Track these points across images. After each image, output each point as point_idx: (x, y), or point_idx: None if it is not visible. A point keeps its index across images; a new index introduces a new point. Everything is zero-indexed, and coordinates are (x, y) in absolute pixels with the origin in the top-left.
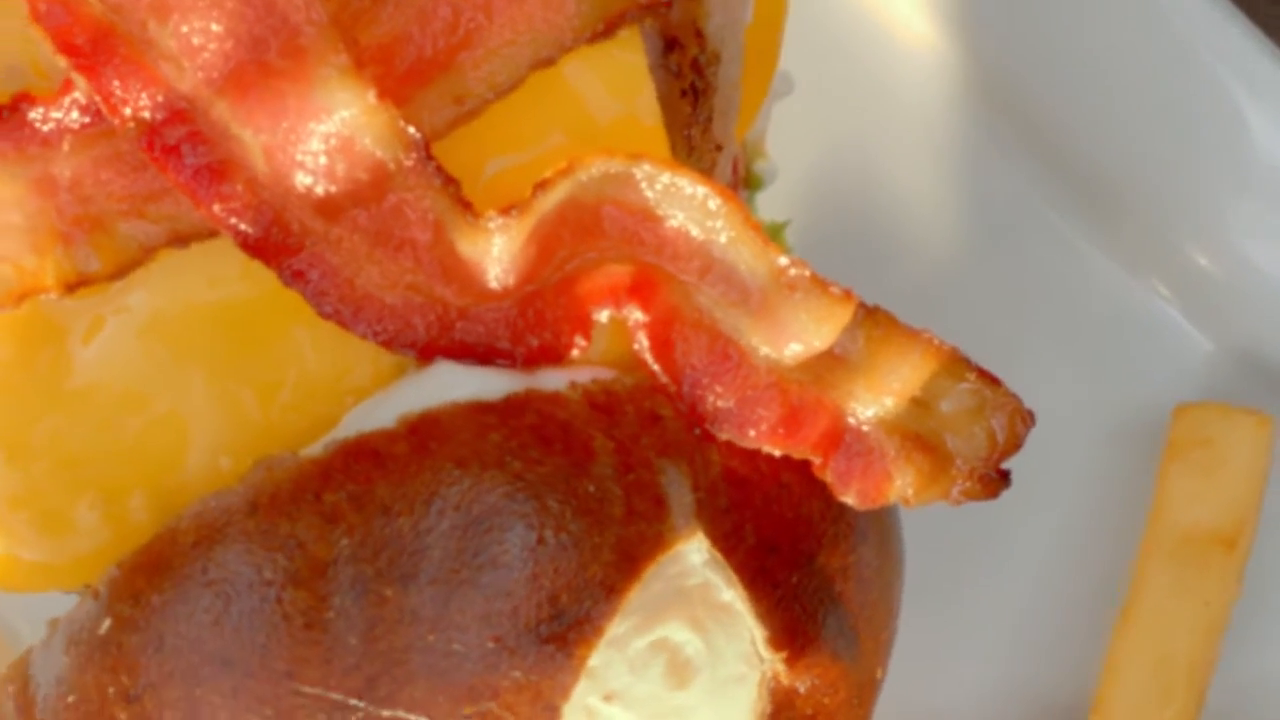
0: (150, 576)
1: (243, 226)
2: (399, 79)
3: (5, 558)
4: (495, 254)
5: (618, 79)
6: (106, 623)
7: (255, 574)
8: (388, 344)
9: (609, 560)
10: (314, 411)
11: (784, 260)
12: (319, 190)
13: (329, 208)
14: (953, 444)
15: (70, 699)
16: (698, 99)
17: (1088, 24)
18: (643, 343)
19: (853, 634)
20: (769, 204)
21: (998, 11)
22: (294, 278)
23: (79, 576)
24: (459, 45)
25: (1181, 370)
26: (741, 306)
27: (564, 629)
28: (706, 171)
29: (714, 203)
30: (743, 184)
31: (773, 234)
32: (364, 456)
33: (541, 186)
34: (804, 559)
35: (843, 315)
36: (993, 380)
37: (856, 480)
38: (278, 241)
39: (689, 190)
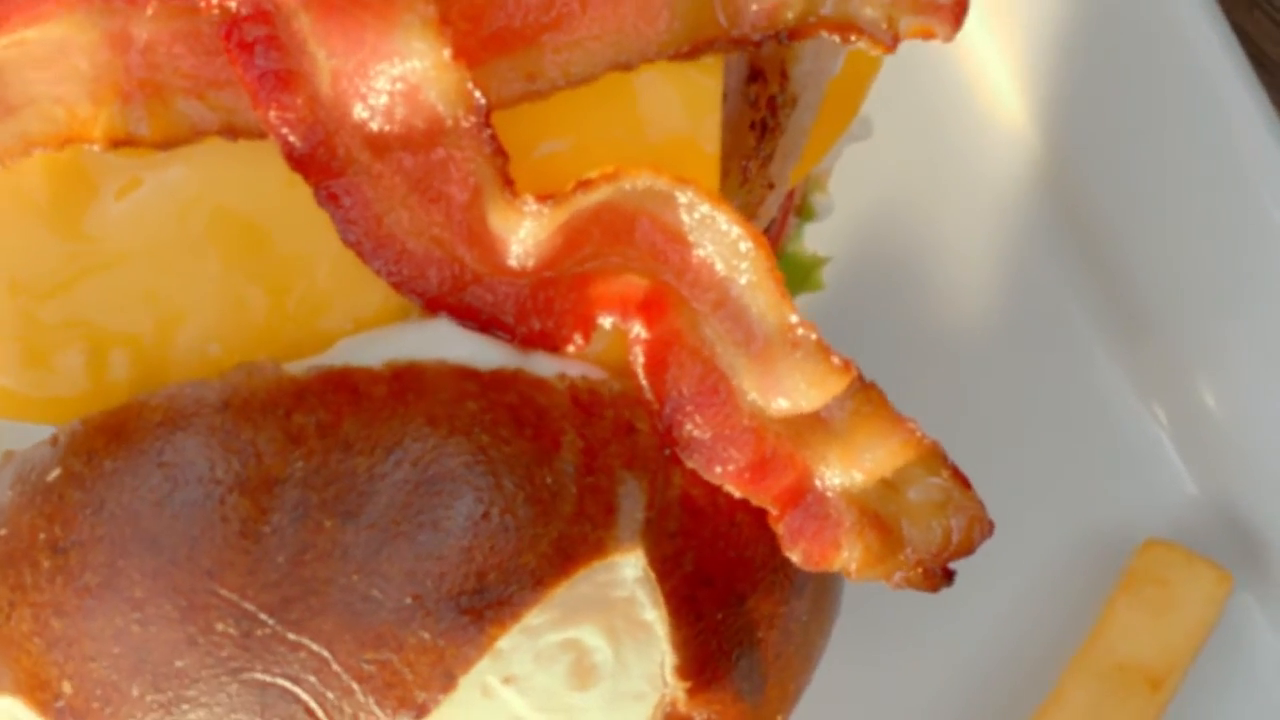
0: (109, 441)
1: (292, 138)
2: (481, 40)
3: None
4: (521, 235)
5: (690, 98)
6: (56, 472)
7: (207, 469)
8: (398, 286)
9: (545, 553)
10: (312, 328)
11: (795, 318)
12: (373, 126)
13: (378, 144)
14: (908, 532)
15: (1, 531)
16: (764, 135)
17: (1166, 145)
18: (638, 357)
19: (761, 679)
20: (817, 236)
21: (1087, 111)
22: (328, 199)
23: (48, 416)
24: (547, 25)
25: (1160, 504)
26: (743, 348)
27: (483, 605)
28: (754, 206)
29: (745, 245)
30: (796, 212)
31: (811, 266)
32: (342, 389)
33: (584, 185)
34: (735, 599)
35: (836, 386)
36: (964, 482)
37: (806, 540)
38: (322, 161)
39: (724, 227)
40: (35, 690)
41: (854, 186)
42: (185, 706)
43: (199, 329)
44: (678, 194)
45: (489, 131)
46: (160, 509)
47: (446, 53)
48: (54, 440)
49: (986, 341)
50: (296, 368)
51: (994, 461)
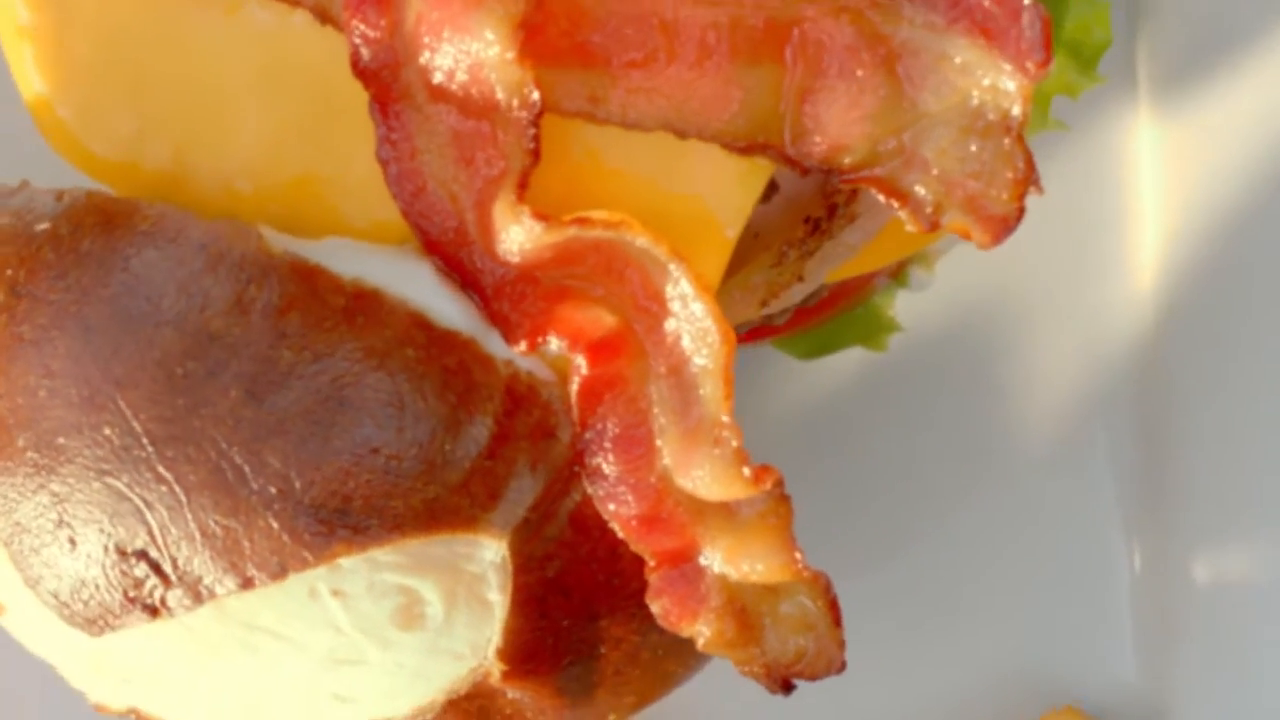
0: (98, 224)
1: (364, 52)
2: (570, 44)
3: (44, 101)
4: (511, 236)
5: (738, 174)
6: (45, 226)
7: (158, 294)
8: (407, 216)
9: (414, 506)
10: (319, 212)
11: (726, 419)
12: (437, 76)
13: (436, 92)
14: (768, 635)
15: None
16: (814, 232)
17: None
18: (574, 382)
19: (591, 687)
20: (902, 305)
21: (1210, 316)
22: (379, 112)
23: (81, 164)
24: (631, 62)
25: (1098, 677)
26: (677, 418)
27: (338, 524)
28: (778, 288)
29: (713, 337)
30: (891, 275)
31: (883, 328)
32: (304, 284)
33: (581, 222)
34: (587, 615)
35: (739, 492)
36: (836, 618)
37: (669, 599)
38: (384, 82)
39: (699, 313)
40: None
41: (961, 269)
42: (54, 479)
43: (238, 162)
44: (670, 266)
45: (533, 131)
46: (105, 306)
47: (510, 54)
48: (59, 196)
49: (998, 483)
50: (277, 243)
51: (962, 567)
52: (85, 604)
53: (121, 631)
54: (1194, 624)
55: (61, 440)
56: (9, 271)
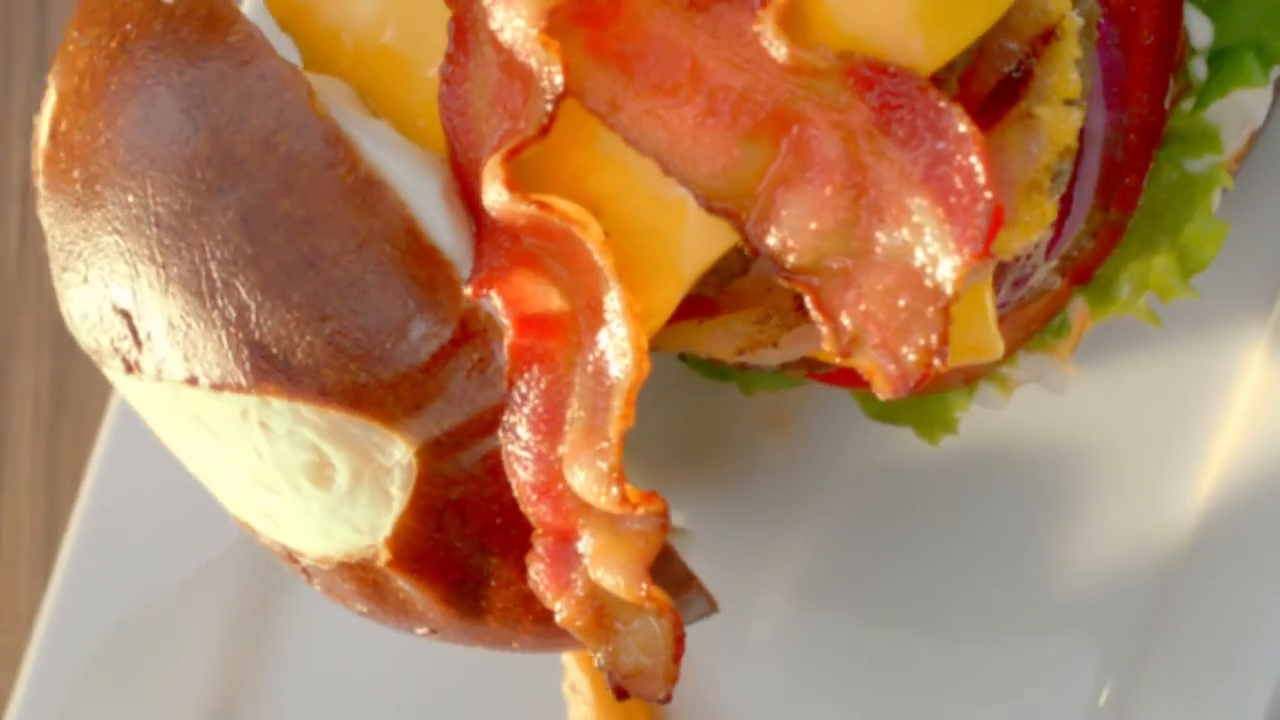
0: (202, 18)
1: None
2: (614, 49)
3: None
4: (488, 192)
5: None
6: (170, 2)
7: (211, 102)
8: (445, 130)
9: (344, 384)
10: (394, 90)
11: (613, 438)
12: (492, 25)
13: (492, 37)
14: (617, 639)
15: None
16: (798, 307)
17: None
18: (505, 342)
19: (481, 613)
20: (975, 414)
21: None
22: (454, 29)
23: None
24: (656, 84)
25: None
26: (587, 415)
27: (276, 368)
28: (754, 344)
29: (628, 363)
30: (965, 380)
31: (944, 424)
32: (327, 149)
33: (541, 205)
34: (480, 547)
35: (607, 505)
36: (676, 654)
37: (542, 567)
38: (462, 6)
39: (622, 339)
40: (67, 93)
41: (1041, 407)
42: (85, 216)
43: (348, 15)
44: (610, 280)
45: (549, 109)
46: (172, 92)
47: (534, 32)
48: None
49: (1002, 599)
50: (327, 104)
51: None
52: (86, 334)
53: (114, 372)
54: None
55: (99, 187)
56: (128, 26)
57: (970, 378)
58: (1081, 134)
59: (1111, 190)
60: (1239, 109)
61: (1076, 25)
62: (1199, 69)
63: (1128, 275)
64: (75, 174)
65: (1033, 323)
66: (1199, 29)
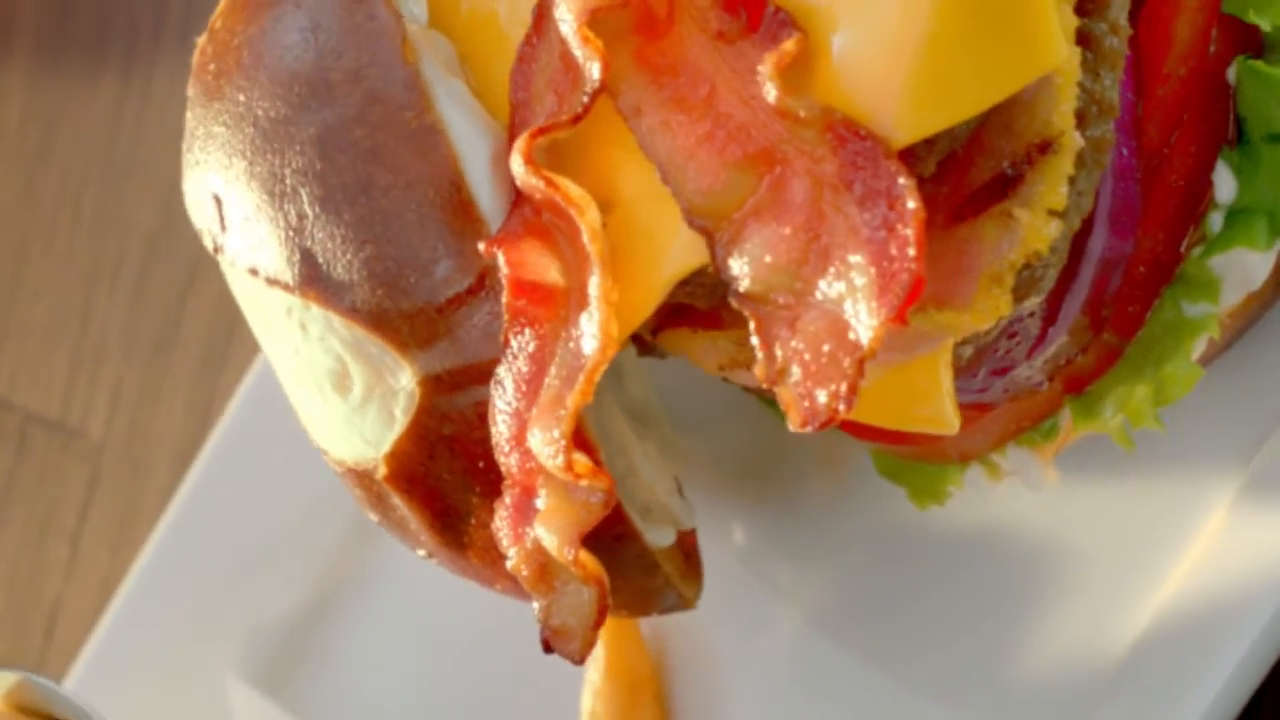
0: None
1: None
2: (654, 60)
3: None
4: (514, 169)
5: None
6: None
7: (323, 28)
8: (509, 98)
9: (369, 305)
10: (484, 51)
11: (570, 407)
12: (555, 12)
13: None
14: (554, 596)
15: None
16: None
17: None
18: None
19: (463, 547)
20: (968, 493)
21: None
22: (536, 10)
23: None
24: (674, 98)
25: None
26: (559, 385)
27: (318, 277)
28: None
29: (594, 349)
30: (960, 458)
31: (933, 494)
32: (403, 93)
33: (549, 183)
34: (464, 485)
35: (560, 475)
36: (597, 623)
37: (505, 516)
38: None
39: (594, 327)
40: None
41: (1017, 499)
42: (209, 105)
43: None
44: (595, 267)
45: (584, 101)
46: (296, 14)
47: (577, 24)
48: None
49: (947, 677)
50: (419, 53)
51: None
52: (192, 213)
53: (209, 249)
54: None
55: (222, 83)
56: None
57: (965, 456)
58: (1078, 251)
59: (1103, 311)
60: (1242, 268)
61: (1077, 144)
62: (1216, 221)
63: (1113, 397)
64: (211, 67)
65: (1025, 419)
66: (1225, 184)
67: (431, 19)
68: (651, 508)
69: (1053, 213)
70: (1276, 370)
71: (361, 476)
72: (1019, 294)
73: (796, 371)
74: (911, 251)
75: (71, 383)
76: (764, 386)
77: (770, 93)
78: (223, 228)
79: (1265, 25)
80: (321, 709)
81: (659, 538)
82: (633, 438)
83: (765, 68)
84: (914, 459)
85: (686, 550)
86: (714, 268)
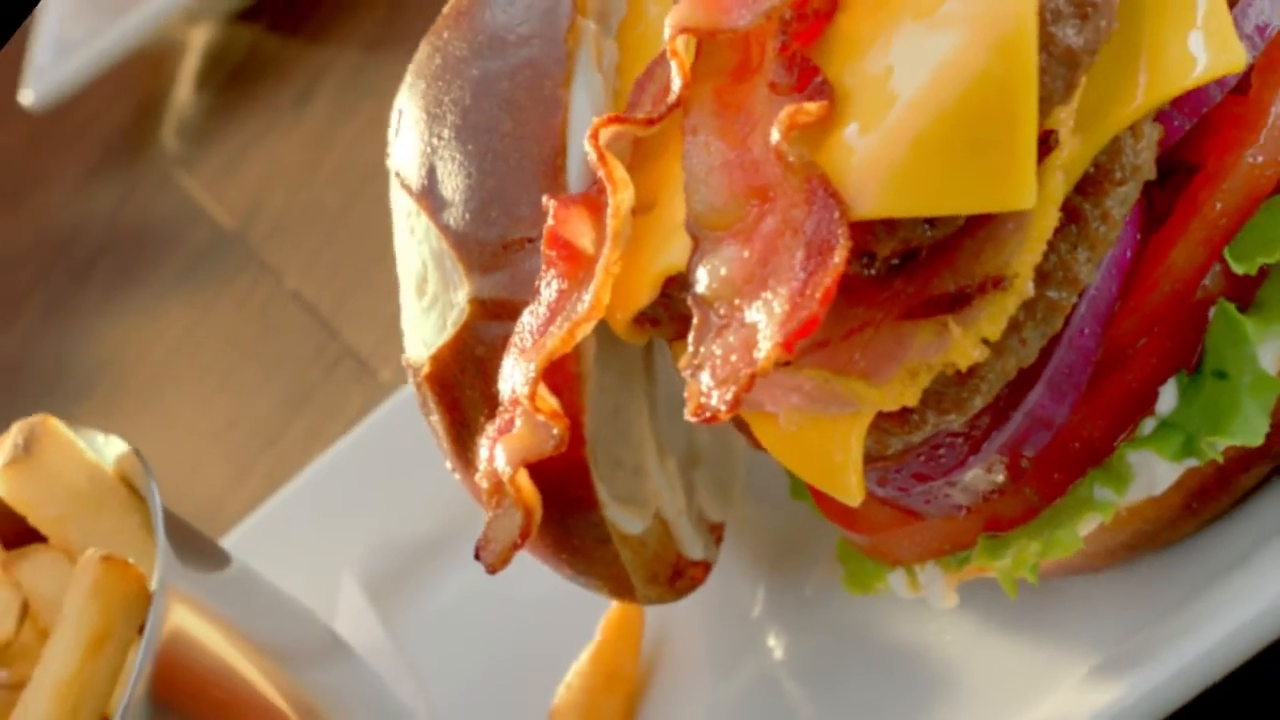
0: None
1: None
2: (725, 97)
3: None
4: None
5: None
6: None
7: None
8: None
9: (456, 226)
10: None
11: (548, 349)
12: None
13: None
14: (499, 511)
15: None
16: None
17: None
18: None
19: (469, 456)
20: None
21: None
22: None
23: None
24: (723, 129)
25: None
26: (555, 331)
27: (431, 194)
28: None
29: (576, 318)
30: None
31: (861, 583)
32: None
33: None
34: (479, 402)
35: (527, 405)
36: (517, 546)
37: (493, 434)
38: None
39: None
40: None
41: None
42: (434, 33)
43: None
44: (607, 240)
45: (663, 110)
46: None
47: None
48: None
49: None
50: (582, 41)
51: None
52: (390, 126)
53: None
54: None
55: (444, 22)
56: None
57: (894, 560)
58: (1015, 399)
59: (1020, 460)
60: (1150, 473)
61: (1028, 293)
62: (1148, 425)
63: (1015, 546)
64: (445, 10)
65: (947, 542)
66: (1167, 399)
67: (619, 30)
68: (637, 501)
69: (985, 341)
70: (1162, 592)
71: (415, 374)
72: (943, 406)
73: (706, 372)
74: (818, 295)
75: (387, 335)
76: (680, 373)
77: (774, 135)
78: (396, 134)
79: (1238, 270)
80: (406, 628)
81: (624, 521)
82: (653, 447)
83: (782, 115)
84: (860, 550)
85: (678, 568)
86: (687, 268)
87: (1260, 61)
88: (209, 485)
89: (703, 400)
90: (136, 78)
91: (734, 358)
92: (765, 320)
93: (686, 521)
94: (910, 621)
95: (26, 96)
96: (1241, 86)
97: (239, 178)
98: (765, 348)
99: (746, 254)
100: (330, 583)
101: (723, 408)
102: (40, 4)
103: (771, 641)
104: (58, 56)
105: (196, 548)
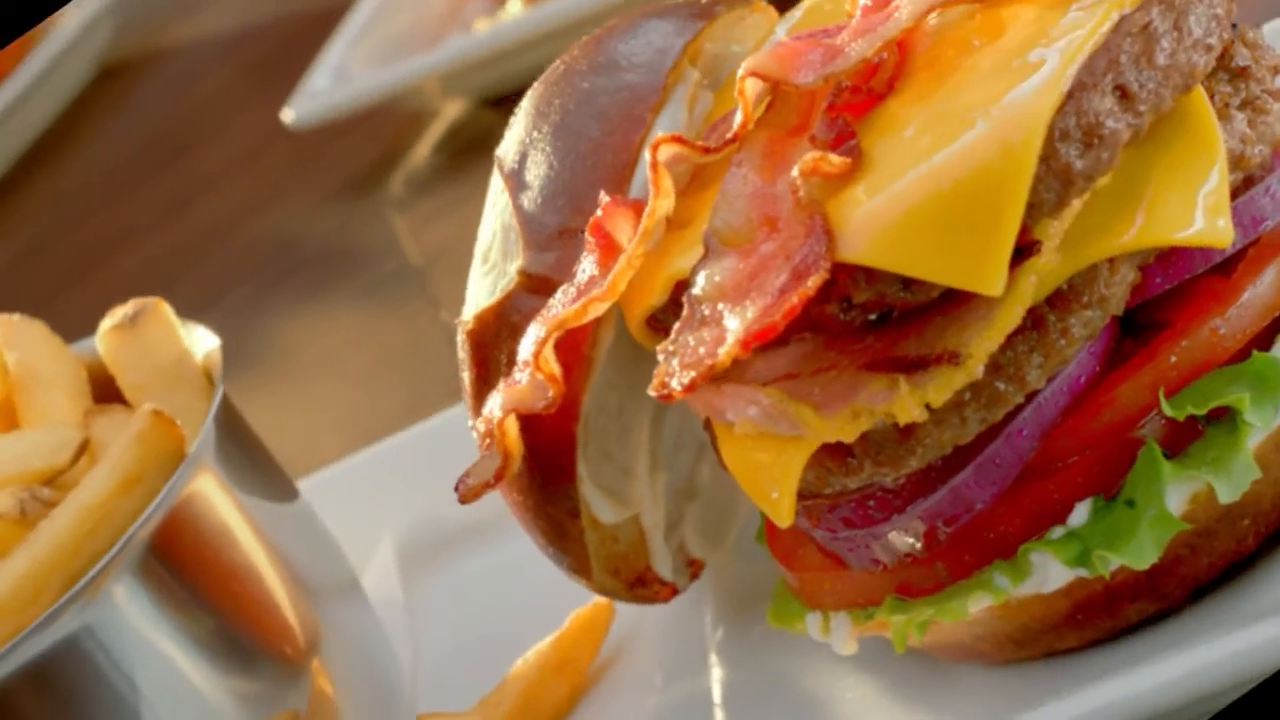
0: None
1: None
2: (775, 142)
3: None
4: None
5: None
6: None
7: (646, 33)
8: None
9: (526, 209)
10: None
11: (561, 318)
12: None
13: None
14: (485, 453)
15: None
16: None
17: None
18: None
19: None
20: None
21: None
22: None
23: None
24: (762, 164)
25: None
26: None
27: (517, 175)
28: None
29: (603, 286)
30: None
31: (786, 617)
32: (651, 93)
33: (655, 177)
34: (505, 366)
35: (530, 362)
36: (492, 483)
37: (503, 386)
38: None
39: (614, 270)
40: None
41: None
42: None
43: None
44: (635, 237)
45: (720, 142)
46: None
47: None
48: None
49: None
50: (684, 82)
51: None
52: None
53: None
54: None
55: (586, 39)
56: None
57: (816, 604)
58: (945, 474)
59: (937, 533)
60: (1044, 572)
61: (976, 375)
62: (1057, 531)
63: (914, 611)
64: (585, 37)
65: (861, 596)
66: (1078, 515)
67: (721, 90)
68: (618, 497)
69: (927, 406)
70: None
71: (461, 330)
72: (880, 459)
73: (676, 358)
74: (784, 309)
75: None
76: (657, 354)
77: (794, 170)
78: (511, 123)
79: (1168, 412)
80: (425, 599)
81: (598, 504)
82: (646, 456)
83: (807, 157)
84: (790, 588)
85: (643, 577)
86: (690, 271)
87: (1251, 251)
88: (310, 452)
89: (665, 379)
90: (389, 129)
91: (702, 350)
92: (737, 324)
93: (662, 542)
94: (829, 674)
95: (288, 115)
96: (1226, 268)
97: (438, 227)
98: (731, 342)
99: (741, 267)
100: (375, 538)
101: (678, 388)
102: (335, 37)
103: (715, 671)
104: (330, 86)
105: (248, 445)
